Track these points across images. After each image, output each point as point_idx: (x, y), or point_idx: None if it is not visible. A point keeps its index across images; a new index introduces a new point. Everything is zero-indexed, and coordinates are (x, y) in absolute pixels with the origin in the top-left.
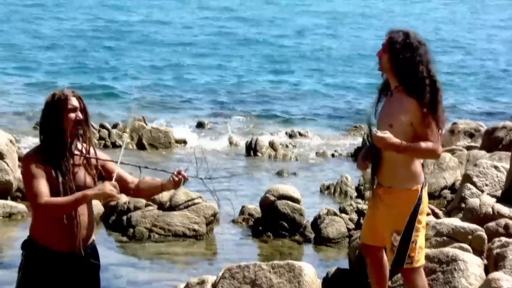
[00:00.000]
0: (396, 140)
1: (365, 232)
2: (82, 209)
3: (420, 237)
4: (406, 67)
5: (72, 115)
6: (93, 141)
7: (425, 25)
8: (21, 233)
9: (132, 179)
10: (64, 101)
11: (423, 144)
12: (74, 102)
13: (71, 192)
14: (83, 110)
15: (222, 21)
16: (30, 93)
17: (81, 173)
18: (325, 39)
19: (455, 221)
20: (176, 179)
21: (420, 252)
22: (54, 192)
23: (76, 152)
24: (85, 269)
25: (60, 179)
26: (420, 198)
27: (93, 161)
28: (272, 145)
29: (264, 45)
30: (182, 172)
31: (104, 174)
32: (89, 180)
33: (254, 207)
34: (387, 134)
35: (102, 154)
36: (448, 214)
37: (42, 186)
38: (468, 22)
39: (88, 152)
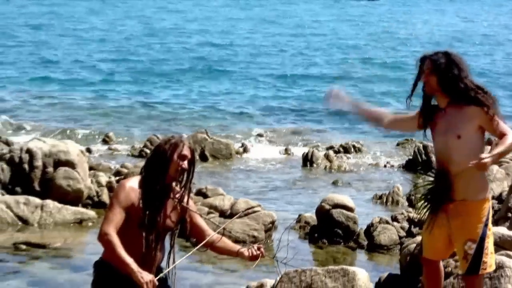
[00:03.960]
0: (489, 157)
1: (427, 248)
2: (161, 243)
3: (490, 243)
4: (454, 81)
5: (180, 162)
6: (191, 191)
7: None
8: (90, 238)
9: (210, 233)
10: (178, 147)
11: (508, 140)
12: (186, 151)
13: (154, 227)
14: (191, 162)
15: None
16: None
17: (168, 213)
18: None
19: (502, 230)
20: (255, 253)
21: (492, 257)
22: (139, 223)
23: (172, 195)
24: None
25: (148, 213)
26: (490, 207)
27: (183, 207)
28: (327, 156)
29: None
30: (261, 249)
31: (187, 221)
32: (171, 223)
33: (310, 215)
34: (486, 159)
35: (192, 205)
36: (496, 223)
37: (116, 215)
38: None
39: (181, 198)
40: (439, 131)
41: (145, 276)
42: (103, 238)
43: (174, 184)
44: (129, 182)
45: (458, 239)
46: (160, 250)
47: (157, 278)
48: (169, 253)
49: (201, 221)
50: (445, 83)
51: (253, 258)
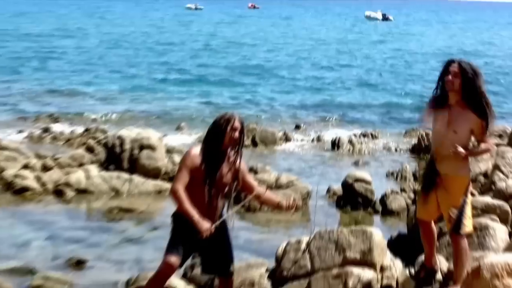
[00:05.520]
0: (464, 152)
1: (420, 211)
2: (221, 196)
3: (468, 210)
4: (474, 90)
5: (232, 132)
6: (242, 155)
7: None
8: (167, 204)
9: (257, 187)
10: (231, 121)
11: (483, 146)
12: (237, 124)
13: (214, 183)
14: (241, 132)
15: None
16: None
17: (224, 173)
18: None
19: (487, 199)
20: (290, 203)
21: (469, 221)
22: (203, 181)
23: (227, 158)
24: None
25: (208, 172)
26: (469, 183)
27: (236, 167)
28: (351, 141)
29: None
30: (296, 200)
31: (239, 179)
32: (227, 180)
33: (338, 187)
34: (461, 152)
35: (244, 166)
36: (482, 193)
37: (184, 176)
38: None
39: (235, 161)
40: (442, 122)
41: (204, 225)
42: (173, 193)
43: (229, 150)
44: (193, 150)
45: (444, 206)
46: (221, 200)
47: (213, 226)
48: (228, 204)
49: (251, 179)
50: (466, 88)
51: (289, 207)
